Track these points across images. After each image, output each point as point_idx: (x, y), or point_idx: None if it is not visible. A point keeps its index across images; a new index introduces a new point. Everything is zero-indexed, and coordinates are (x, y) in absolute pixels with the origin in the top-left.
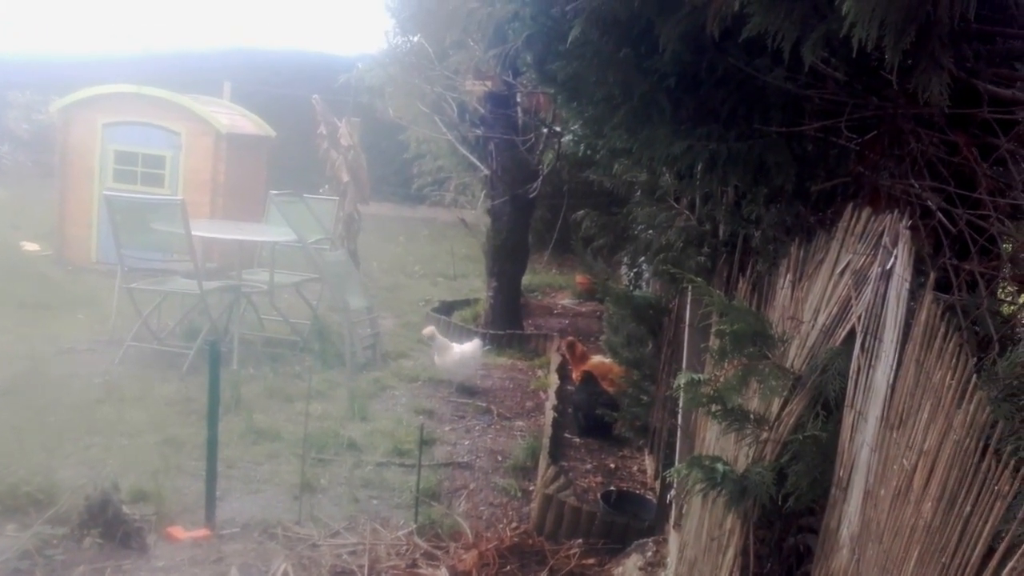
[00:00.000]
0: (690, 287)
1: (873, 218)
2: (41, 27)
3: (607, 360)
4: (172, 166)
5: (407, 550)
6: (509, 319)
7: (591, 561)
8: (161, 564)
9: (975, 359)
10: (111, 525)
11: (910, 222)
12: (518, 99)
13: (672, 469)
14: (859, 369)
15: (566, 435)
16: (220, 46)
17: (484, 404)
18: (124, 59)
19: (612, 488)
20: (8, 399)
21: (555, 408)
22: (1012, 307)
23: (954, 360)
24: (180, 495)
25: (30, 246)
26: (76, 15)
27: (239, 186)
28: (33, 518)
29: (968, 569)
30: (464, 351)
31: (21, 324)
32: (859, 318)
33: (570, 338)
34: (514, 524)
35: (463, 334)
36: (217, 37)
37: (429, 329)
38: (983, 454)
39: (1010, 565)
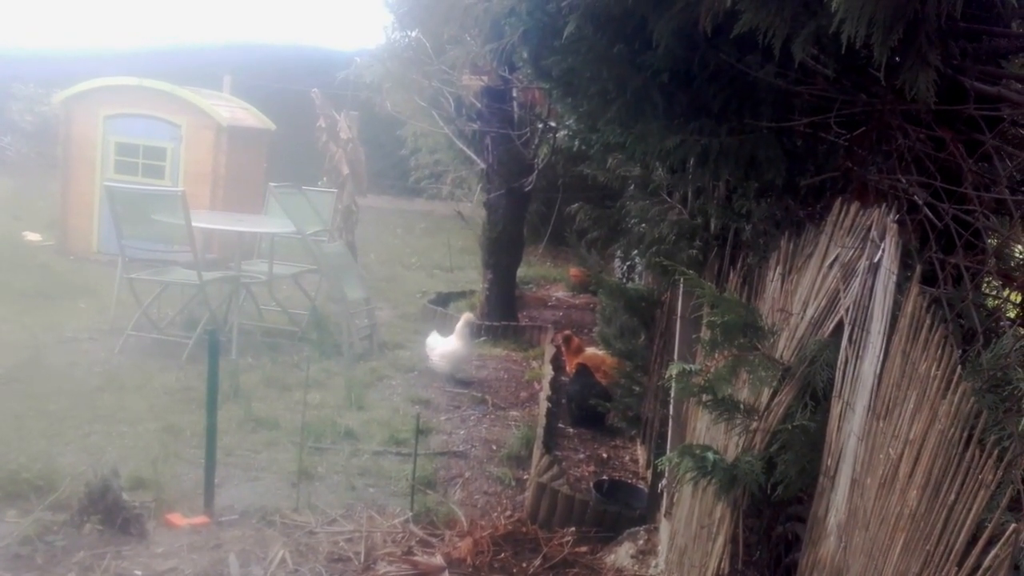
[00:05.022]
0: (682, 279)
1: (861, 212)
2: (44, 22)
3: (600, 352)
4: (173, 158)
5: (403, 537)
6: (504, 310)
7: (584, 549)
8: (160, 550)
9: (960, 351)
10: (111, 512)
11: (897, 216)
12: (514, 94)
13: (663, 458)
14: (847, 360)
15: (560, 425)
16: (220, 41)
17: (479, 394)
18: (126, 53)
19: (604, 477)
20: (10, 387)
21: (549, 399)
22: (996, 300)
23: (939, 351)
24: (179, 482)
25: (32, 236)
26: (79, 10)
27: (239, 178)
28: (34, 504)
29: (952, 556)
30: (448, 349)
31: (23, 313)
32: (847, 310)
33: (566, 331)
34: (508, 512)
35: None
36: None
37: (467, 315)
38: (967, 444)
39: (993, 553)
